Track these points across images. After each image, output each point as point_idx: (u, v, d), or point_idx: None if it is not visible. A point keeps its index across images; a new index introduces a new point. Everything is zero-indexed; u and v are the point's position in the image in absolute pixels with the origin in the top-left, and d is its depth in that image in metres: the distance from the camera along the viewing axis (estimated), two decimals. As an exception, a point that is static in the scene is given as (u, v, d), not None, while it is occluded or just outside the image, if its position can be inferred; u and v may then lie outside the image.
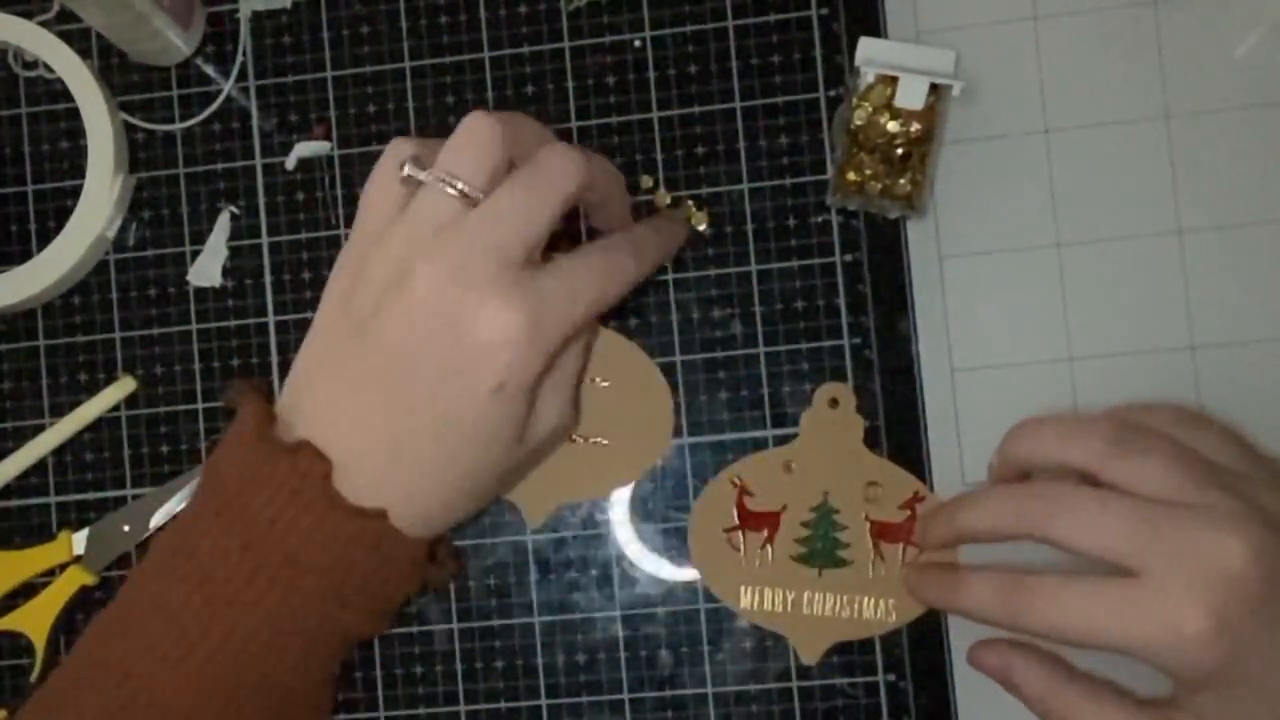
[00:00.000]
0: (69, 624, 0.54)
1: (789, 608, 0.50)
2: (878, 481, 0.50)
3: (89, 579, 0.53)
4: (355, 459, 0.41)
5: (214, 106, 0.55)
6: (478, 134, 0.42)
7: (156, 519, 0.53)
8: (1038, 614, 0.41)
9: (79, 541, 0.53)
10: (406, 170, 0.42)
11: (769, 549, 0.50)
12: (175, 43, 0.53)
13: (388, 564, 0.42)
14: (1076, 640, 0.41)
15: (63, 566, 0.53)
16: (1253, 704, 0.40)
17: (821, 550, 0.50)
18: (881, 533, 0.50)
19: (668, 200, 0.53)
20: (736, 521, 0.51)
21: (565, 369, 0.44)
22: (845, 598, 0.50)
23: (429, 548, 0.44)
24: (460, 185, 0.41)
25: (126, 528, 0.53)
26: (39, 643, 0.53)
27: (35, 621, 0.53)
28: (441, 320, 0.40)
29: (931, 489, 0.50)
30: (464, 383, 0.40)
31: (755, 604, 0.50)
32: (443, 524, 0.44)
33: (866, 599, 0.50)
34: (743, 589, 0.50)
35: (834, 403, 0.51)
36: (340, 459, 0.41)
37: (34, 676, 0.53)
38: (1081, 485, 0.41)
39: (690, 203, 0.52)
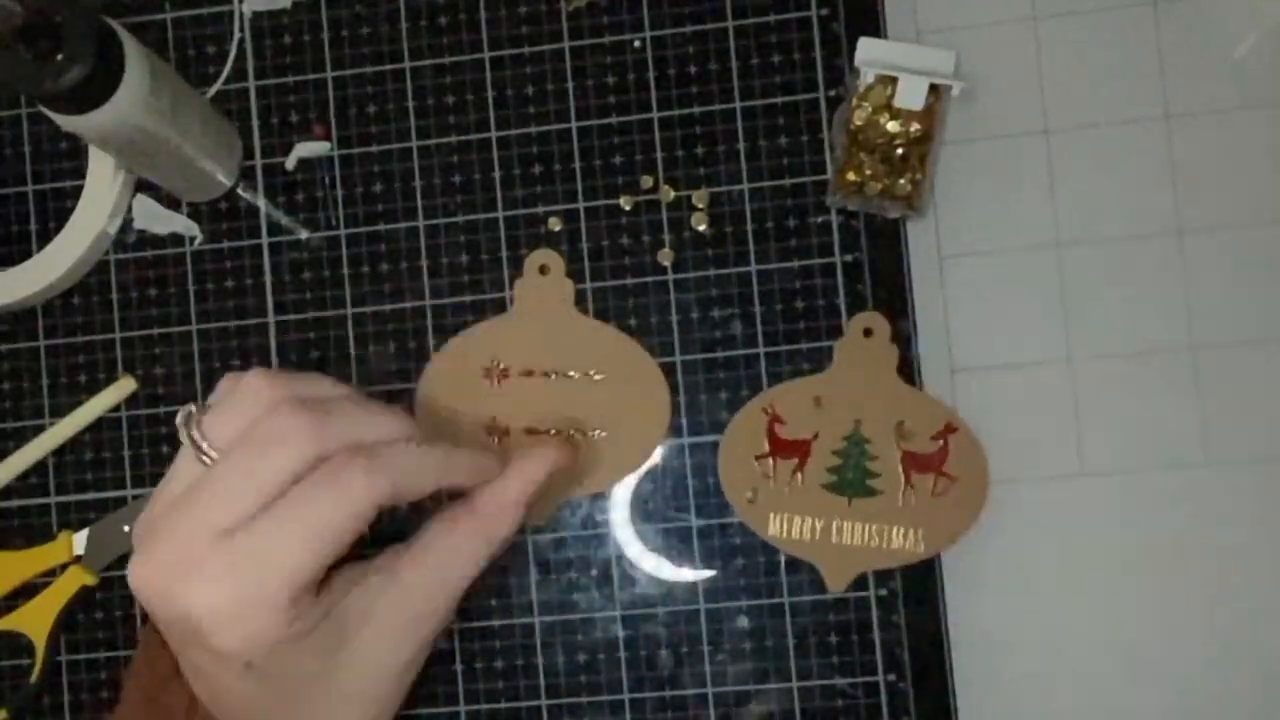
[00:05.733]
0: (69, 624, 0.54)
1: (817, 536, 0.50)
2: (910, 413, 0.50)
3: (89, 579, 0.53)
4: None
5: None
6: (238, 397, 0.39)
7: None
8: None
9: (79, 542, 0.53)
10: (178, 420, 0.39)
11: (799, 477, 0.51)
12: (219, 179, 0.54)
13: None
14: None
15: (63, 567, 0.53)
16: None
17: (852, 479, 0.50)
18: (913, 463, 0.50)
19: (670, 197, 0.53)
20: (768, 449, 0.51)
21: (346, 612, 0.41)
22: (874, 527, 0.50)
23: None
24: (210, 452, 0.38)
25: (126, 528, 0.53)
26: (39, 643, 0.53)
27: (35, 622, 0.53)
28: (166, 611, 0.38)
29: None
30: (216, 666, 0.38)
31: (784, 532, 0.50)
32: None
33: (896, 528, 0.50)
34: (771, 516, 0.51)
35: (868, 332, 0.51)
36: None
37: (34, 677, 0.53)
38: None
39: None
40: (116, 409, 0.55)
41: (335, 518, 0.37)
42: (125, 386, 0.54)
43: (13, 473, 0.54)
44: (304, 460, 0.38)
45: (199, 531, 0.37)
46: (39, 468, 0.55)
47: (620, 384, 0.52)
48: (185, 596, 0.37)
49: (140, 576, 0.38)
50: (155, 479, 0.54)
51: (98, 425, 0.55)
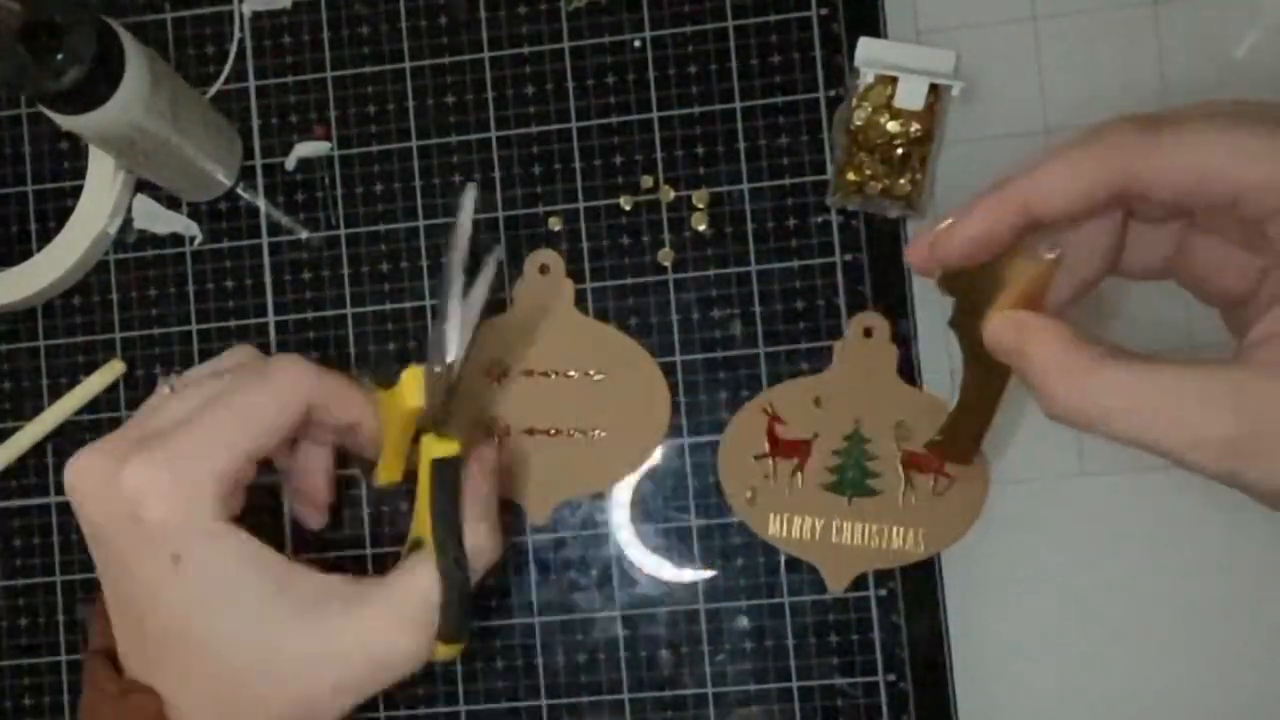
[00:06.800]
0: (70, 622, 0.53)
1: (817, 535, 0.50)
2: (909, 413, 0.50)
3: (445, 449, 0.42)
4: (171, 689, 0.39)
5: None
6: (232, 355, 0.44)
7: None
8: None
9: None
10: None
11: (799, 476, 0.51)
12: (219, 179, 0.54)
13: None
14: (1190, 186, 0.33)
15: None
16: None
17: (852, 479, 0.50)
18: (913, 462, 0.50)
19: (671, 197, 0.53)
20: (767, 449, 0.51)
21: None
22: (875, 527, 0.50)
23: None
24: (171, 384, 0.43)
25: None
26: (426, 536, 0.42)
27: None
28: (104, 492, 0.39)
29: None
30: (146, 560, 0.39)
31: (784, 531, 0.50)
32: None
33: (896, 528, 0.50)
34: (771, 516, 0.51)
35: (868, 332, 0.51)
36: (164, 691, 0.39)
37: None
38: None
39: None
40: (117, 409, 0.55)
41: (262, 406, 0.40)
42: (114, 369, 0.54)
43: (8, 459, 0.54)
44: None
45: (146, 429, 0.40)
46: (39, 466, 0.55)
47: (620, 384, 0.52)
48: (124, 473, 0.39)
49: (84, 464, 0.40)
50: (155, 479, 0.54)
51: (96, 426, 0.55)
